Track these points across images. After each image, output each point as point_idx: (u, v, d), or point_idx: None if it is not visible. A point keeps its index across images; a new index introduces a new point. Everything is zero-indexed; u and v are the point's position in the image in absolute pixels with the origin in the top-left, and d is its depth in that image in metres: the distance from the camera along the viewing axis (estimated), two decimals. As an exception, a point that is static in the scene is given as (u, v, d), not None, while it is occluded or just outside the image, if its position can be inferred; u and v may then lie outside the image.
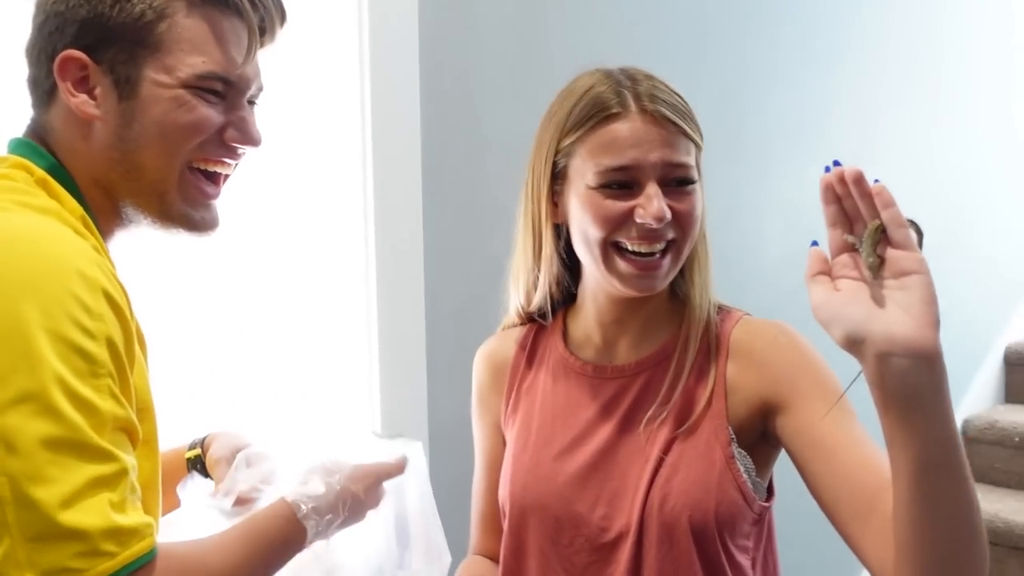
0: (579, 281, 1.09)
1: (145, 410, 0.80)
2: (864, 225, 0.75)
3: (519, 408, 1.10)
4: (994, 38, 2.96)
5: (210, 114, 0.86)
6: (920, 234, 0.79)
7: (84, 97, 0.83)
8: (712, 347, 1.02)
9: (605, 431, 1.03)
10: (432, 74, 1.52)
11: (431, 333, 1.54)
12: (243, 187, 1.60)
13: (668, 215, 0.95)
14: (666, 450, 0.98)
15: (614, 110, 0.96)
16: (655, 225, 0.95)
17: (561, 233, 1.05)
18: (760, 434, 0.99)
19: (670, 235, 0.97)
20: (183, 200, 0.87)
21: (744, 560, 0.99)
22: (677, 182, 0.97)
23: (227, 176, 0.92)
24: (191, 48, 0.84)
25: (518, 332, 1.15)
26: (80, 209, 0.83)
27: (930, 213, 2.55)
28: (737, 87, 2.05)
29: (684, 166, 0.97)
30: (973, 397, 2.80)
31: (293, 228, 1.54)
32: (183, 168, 0.86)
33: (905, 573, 0.78)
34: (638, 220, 0.95)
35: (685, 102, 1.00)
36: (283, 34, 0.92)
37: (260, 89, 0.92)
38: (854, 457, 0.89)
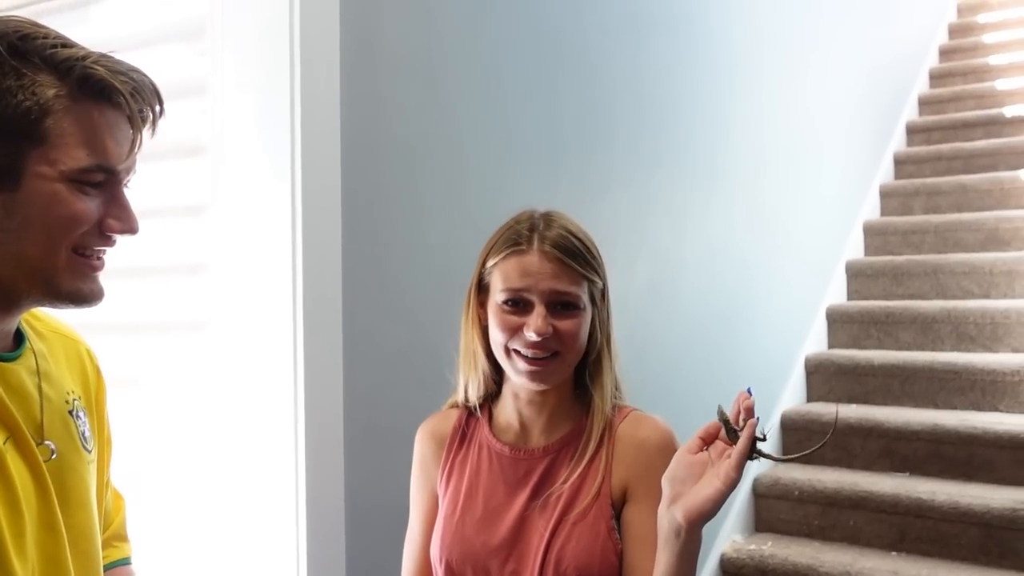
0: (503, 378, 1.32)
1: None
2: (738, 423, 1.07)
3: (451, 478, 1.33)
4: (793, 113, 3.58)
5: (89, 207, 0.87)
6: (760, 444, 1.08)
7: None
8: (605, 439, 1.28)
9: (517, 503, 1.27)
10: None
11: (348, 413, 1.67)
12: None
13: (549, 331, 1.21)
14: (560, 521, 1.24)
15: (521, 246, 1.23)
16: (536, 338, 1.21)
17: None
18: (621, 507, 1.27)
19: (554, 347, 1.22)
20: (71, 278, 0.88)
21: None
22: (562, 306, 1.23)
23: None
24: (75, 142, 0.85)
25: (454, 415, 1.37)
26: None
27: (752, 246, 3.14)
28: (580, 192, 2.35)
29: (568, 294, 1.22)
30: (787, 396, 3.40)
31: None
32: (68, 253, 0.88)
33: None
34: (525, 333, 1.21)
35: (585, 246, 1.25)
36: (162, 123, 0.94)
37: (134, 172, 0.93)
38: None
